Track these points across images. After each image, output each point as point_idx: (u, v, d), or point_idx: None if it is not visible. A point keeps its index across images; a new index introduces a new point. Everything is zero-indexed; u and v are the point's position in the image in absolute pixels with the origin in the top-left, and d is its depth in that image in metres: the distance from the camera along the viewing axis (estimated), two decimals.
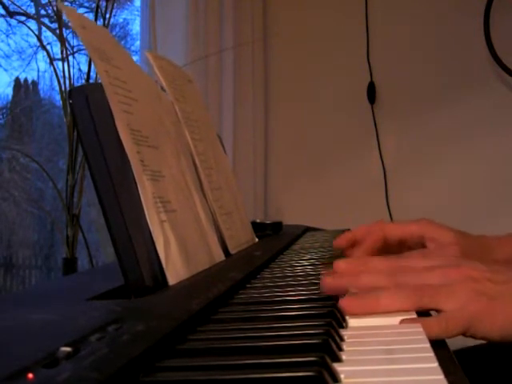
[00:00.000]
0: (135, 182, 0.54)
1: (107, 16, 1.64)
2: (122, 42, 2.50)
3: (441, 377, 0.33)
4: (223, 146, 0.96)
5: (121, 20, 2.48)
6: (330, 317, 0.44)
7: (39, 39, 1.95)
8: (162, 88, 0.75)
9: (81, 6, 2.50)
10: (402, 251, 0.73)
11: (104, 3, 1.64)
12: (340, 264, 0.55)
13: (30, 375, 0.28)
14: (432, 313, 0.49)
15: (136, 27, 2.34)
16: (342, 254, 0.76)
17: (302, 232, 1.15)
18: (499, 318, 0.46)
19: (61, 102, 1.69)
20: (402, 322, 0.45)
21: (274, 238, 1.04)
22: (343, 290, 0.51)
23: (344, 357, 0.37)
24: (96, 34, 0.58)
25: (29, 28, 2.08)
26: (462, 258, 0.53)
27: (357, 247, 0.73)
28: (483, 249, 0.71)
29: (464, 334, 0.46)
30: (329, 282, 0.52)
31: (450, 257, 0.54)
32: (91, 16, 1.78)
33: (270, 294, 0.55)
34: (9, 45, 2.41)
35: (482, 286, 0.48)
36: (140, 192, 0.54)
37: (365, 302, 0.48)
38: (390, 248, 0.74)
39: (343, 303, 0.48)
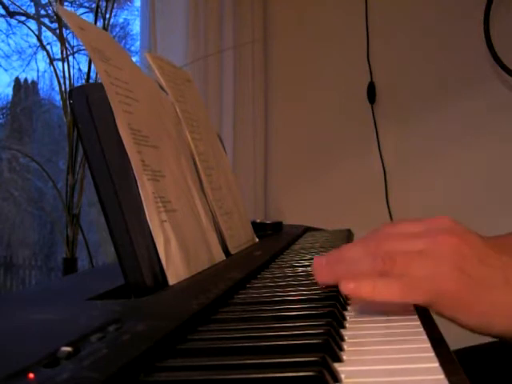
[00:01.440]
0: (136, 182, 0.54)
1: (107, 16, 1.64)
2: (122, 43, 2.50)
3: (441, 376, 0.33)
4: (223, 145, 0.96)
5: (121, 20, 2.48)
6: (330, 317, 0.44)
7: (39, 39, 1.95)
8: (162, 88, 0.75)
9: (80, 6, 2.50)
10: None
11: (104, 3, 1.64)
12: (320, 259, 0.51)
13: (31, 375, 0.28)
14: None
15: (136, 27, 2.34)
16: None
17: (302, 232, 1.15)
18: (475, 306, 0.42)
19: (61, 102, 1.69)
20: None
21: (274, 237, 1.04)
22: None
23: (344, 357, 0.37)
24: (95, 35, 0.58)
25: (29, 28, 2.09)
26: (461, 227, 0.48)
27: None
28: None
29: (428, 307, 0.43)
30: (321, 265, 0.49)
31: (448, 222, 0.48)
32: (91, 16, 1.78)
33: (270, 293, 0.55)
34: (9, 45, 2.41)
35: (469, 264, 0.43)
36: (140, 192, 0.54)
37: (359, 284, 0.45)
38: None
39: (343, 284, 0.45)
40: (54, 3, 1.86)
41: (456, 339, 0.49)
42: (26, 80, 2.53)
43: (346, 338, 0.41)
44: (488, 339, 0.48)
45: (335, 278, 0.47)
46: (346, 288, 0.45)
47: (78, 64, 1.89)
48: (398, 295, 0.43)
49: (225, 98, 1.95)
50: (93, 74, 1.67)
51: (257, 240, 0.94)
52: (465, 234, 0.47)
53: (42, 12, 2.38)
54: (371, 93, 2.02)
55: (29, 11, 2.27)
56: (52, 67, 1.69)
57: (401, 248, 0.46)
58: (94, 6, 1.73)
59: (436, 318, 0.47)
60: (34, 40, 2.34)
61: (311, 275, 0.63)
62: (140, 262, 0.51)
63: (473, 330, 0.44)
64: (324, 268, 0.49)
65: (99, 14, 1.63)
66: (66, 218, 1.62)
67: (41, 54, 2.42)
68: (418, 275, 0.43)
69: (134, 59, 0.66)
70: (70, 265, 1.61)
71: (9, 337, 0.36)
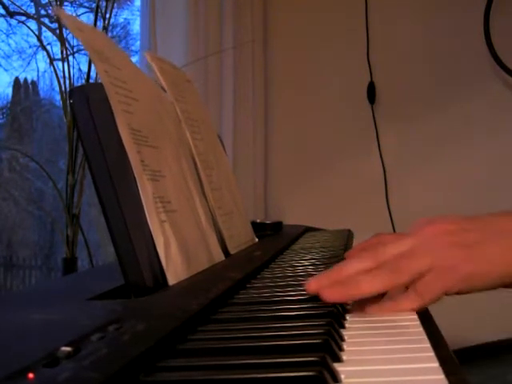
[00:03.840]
0: (135, 182, 0.54)
1: (107, 16, 1.64)
2: (123, 42, 2.50)
3: (441, 376, 0.33)
4: (223, 145, 0.96)
5: (121, 20, 2.48)
6: (330, 317, 0.44)
7: (39, 39, 1.95)
8: (163, 88, 0.75)
9: (80, 6, 2.50)
10: None
11: (104, 3, 1.64)
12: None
13: (31, 375, 0.28)
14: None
15: (136, 27, 2.34)
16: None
17: (302, 232, 1.15)
18: (484, 265, 0.46)
19: (61, 102, 1.69)
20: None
21: (274, 237, 1.04)
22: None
23: (344, 357, 0.37)
24: (94, 36, 0.58)
25: (29, 28, 2.09)
26: (436, 217, 0.52)
27: None
28: None
29: (446, 294, 0.46)
30: (313, 284, 0.50)
31: (423, 219, 0.53)
32: (91, 16, 1.78)
33: (270, 293, 0.55)
34: (9, 45, 2.41)
35: (459, 237, 0.47)
36: (140, 192, 0.54)
37: (346, 287, 0.48)
38: None
39: (325, 292, 0.48)
40: (54, 4, 1.86)
41: (456, 339, 0.49)
42: (25, 80, 2.53)
43: (345, 337, 0.41)
44: (487, 340, 0.49)
45: (343, 297, 0.49)
46: (372, 311, 0.48)
47: (78, 64, 1.89)
48: (418, 303, 0.46)
49: (225, 98, 1.95)
50: (93, 74, 1.67)
51: (256, 240, 0.94)
52: (442, 217, 0.51)
53: (42, 12, 2.38)
54: (371, 93, 2.02)
55: (29, 11, 2.27)
56: (52, 67, 1.69)
57: (392, 252, 0.49)
58: (94, 6, 1.72)
59: (436, 318, 0.47)
60: (34, 40, 2.34)
61: (311, 275, 0.63)
62: (140, 262, 0.51)
63: (494, 288, 0.47)
64: (328, 289, 0.49)
65: (99, 14, 1.63)
66: (66, 218, 1.62)
67: (41, 54, 2.42)
68: (430, 266, 0.46)
69: (133, 59, 0.66)
70: (69, 265, 1.61)
71: (9, 336, 0.36)
